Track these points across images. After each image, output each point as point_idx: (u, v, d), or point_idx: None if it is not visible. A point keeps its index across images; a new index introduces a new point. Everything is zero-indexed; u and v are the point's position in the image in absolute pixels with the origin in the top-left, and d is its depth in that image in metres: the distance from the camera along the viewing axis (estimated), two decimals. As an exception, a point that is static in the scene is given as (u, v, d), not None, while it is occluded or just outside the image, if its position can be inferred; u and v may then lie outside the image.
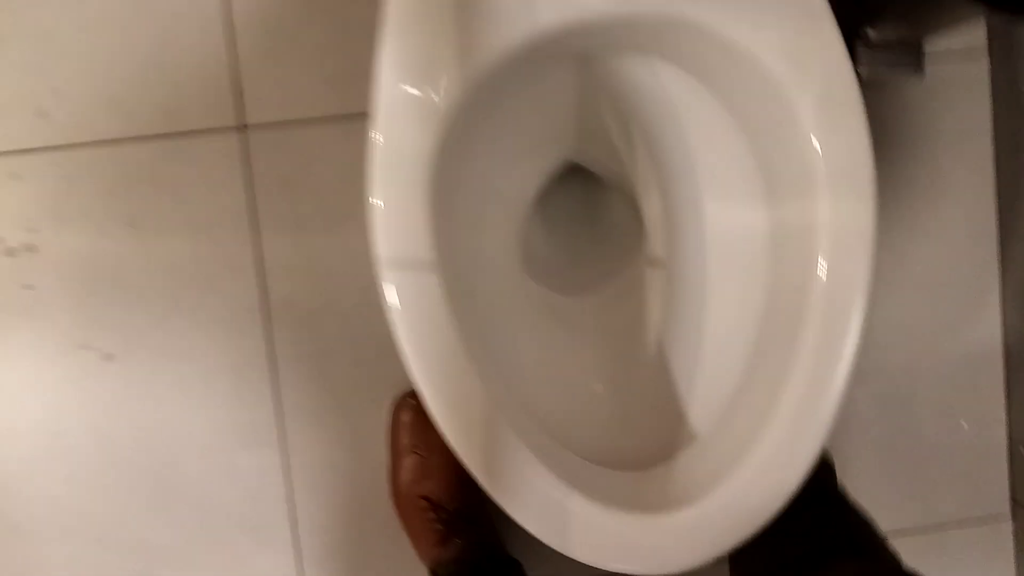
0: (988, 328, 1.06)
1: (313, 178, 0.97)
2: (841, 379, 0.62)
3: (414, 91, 0.58)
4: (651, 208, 0.80)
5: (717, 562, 0.64)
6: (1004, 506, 1.08)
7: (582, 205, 0.87)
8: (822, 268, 0.62)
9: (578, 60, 0.70)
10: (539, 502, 0.62)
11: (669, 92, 0.71)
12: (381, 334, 0.60)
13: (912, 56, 0.97)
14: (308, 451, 1.00)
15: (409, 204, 0.59)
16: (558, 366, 0.77)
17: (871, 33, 0.95)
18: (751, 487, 0.63)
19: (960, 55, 1.02)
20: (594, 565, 0.62)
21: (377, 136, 0.58)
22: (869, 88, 0.98)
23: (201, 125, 0.96)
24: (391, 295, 0.59)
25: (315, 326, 0.99)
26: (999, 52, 1.01)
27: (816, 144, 0.61)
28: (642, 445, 0.72)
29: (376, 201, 0.59)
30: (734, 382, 0.70)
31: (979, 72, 1.03)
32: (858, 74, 0.96)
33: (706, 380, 0.74)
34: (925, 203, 1.04)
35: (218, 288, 0.97)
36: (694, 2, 0.60)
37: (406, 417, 0.96)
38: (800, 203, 0.64)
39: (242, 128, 0.96)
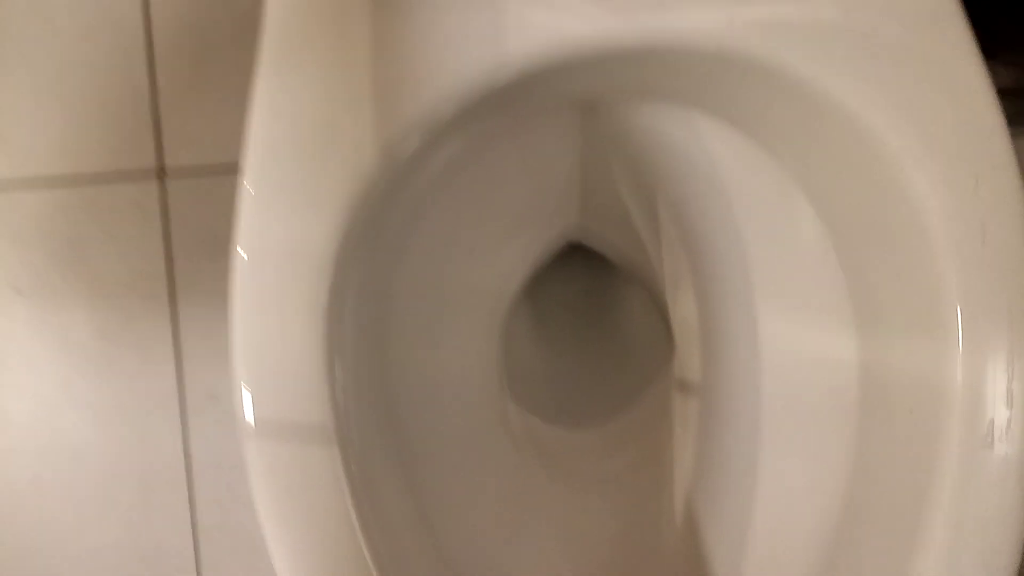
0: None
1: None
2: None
3: (301, 166, 0.36)
4: (682, 311, 0.57)
5: None
6: None
7: (586, 302, 0.64)
8: (953, 457, 0.39)
9: (583, 109, 0.48)
10: None
11: (715, 159, 0.49)
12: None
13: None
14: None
15: (293, 339, 0.37)
16: (542, 536, 0.54)
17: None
18: None
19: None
20: None
21: (242, 245, 0.37)
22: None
23: (111, 168, 0.75)
24: (255, 480, 0.37)
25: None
26: None
27: (952, 272, 0.38)
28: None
29: (240, 337, 0.37)
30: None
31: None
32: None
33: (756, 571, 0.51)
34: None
35: (127, 374, 0.76)
36: (765, 33, 0.38)
37: None
38: (917, 344, 0.41)
39: (160, 173, 0.75)
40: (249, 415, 0.37)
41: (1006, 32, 0.68)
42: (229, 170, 0.74)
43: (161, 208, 0.75)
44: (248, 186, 0.37)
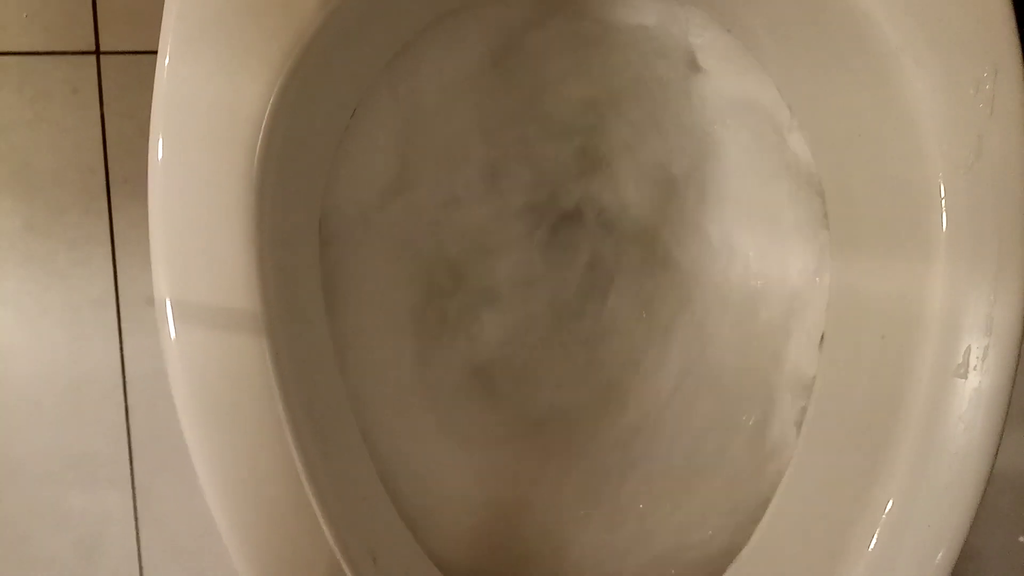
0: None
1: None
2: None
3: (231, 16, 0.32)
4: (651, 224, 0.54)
5: None
6: None
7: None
8: (922, 380, 0.37)
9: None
10: None
11: (697, 61, 0.45)
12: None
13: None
14: (165, 499, 0.75)
15: (218, 217, 0.33)
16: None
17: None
18: None
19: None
20: None
21: (162, 105, 0.32)
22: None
23: (44, 47, 0.69)
24: (174, 368, 0.34)
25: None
26: None
27: (939, 187, 0.35)
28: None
29: (159, 211, 0.33)
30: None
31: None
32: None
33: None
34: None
35: (60, 272, 0.72)
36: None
37: None
38: (896, 265, 0.38)
39: (96, 54, 0.69)
40: (167, 296, 0.33)
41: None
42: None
43: (98, 92, 0.70)
44: (170, 39, 0.32)
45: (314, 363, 0.38)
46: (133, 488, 0.75)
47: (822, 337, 0.45)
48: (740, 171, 0.47)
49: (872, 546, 0.37)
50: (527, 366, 0.49)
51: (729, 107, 0.44)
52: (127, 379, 0.73)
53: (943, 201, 0.35)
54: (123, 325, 0.73)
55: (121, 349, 0.73)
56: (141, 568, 0.76)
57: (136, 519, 0.75)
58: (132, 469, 0.75)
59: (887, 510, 0.37)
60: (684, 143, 0.45)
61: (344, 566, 0.35)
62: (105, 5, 0.69)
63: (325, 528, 0.35)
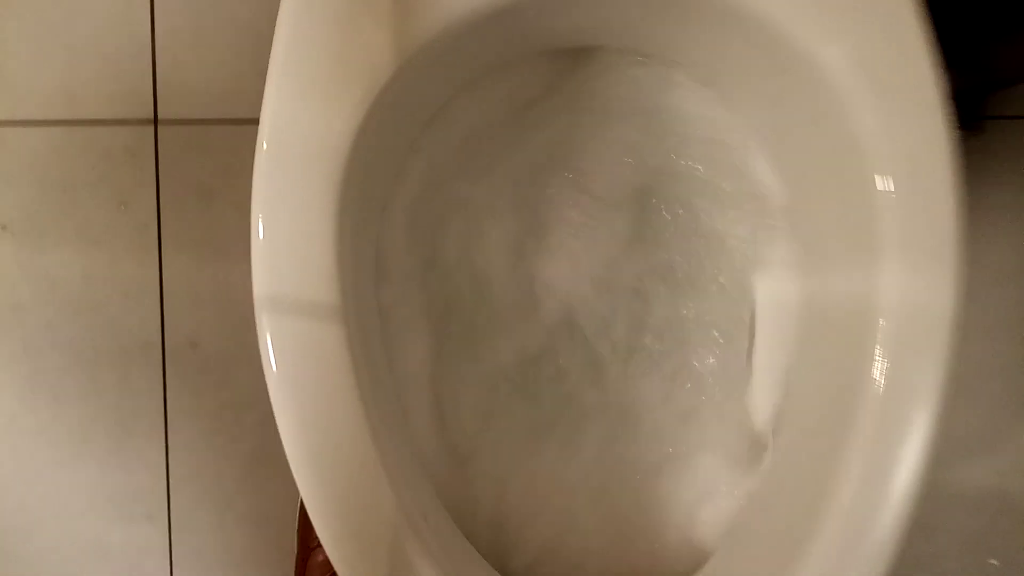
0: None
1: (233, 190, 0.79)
2: (891, 527, 0.44)
3: (337, 44, 0.41)
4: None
5: None
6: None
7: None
8: (878, 365, 0.44)
9: (561, 59, 0.53)
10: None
11: (679, 111, 0.54)
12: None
13: (969, 109, 0.82)
14: (196, 530, 0.80)
15: (309, 216, 0.41)
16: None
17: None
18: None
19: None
20: None
21: (271, 110, 0.41)
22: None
23: (108, 114, 0.78)
24: (268, 351, 0.41)
25: (220, 373, 0.79)
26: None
27: (885, 188, 0.43)
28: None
29: (259, 209, 0.41)
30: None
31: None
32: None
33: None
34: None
35: (110, 316, 0.79)
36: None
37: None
38: (854, 273, 0.46)
39: (155, 123, 0.78)
40: (264, 291, 0.40)
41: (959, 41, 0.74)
42: (221, 123, 0.78)
43: (154, 156, 0.78)
44: (273, 79, 0.41)
45: (374, 349, 0.45)
46: (169, 522, 0.80)
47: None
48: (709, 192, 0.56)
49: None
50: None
51: (702, 143, 0.53)
52: (168, 415, 0.79)
53: (885, 213, 0.44)
54: (167, 367, 0.79)
55: (164, 388, 0.79)
56: (174, 600, 0.80)
57: (171, 552, 0.80)
58: (169, 504, 0.80)
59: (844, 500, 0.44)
60: (663, 166, 0.54)
61: (404, 519, 0.41)
62: (164, 80, 0.78)
63: (388, 487, 0.41)
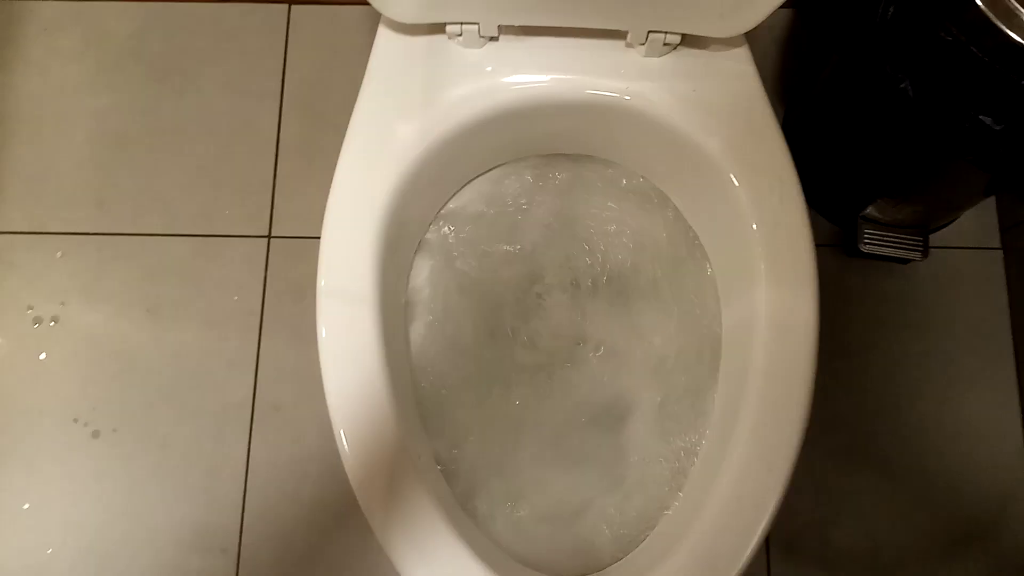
0: (1017, 537, 0.94)
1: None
2: (781, 468, 0.57)
3: (384, 132, 0.64)
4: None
5: None
6: None
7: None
8: (760, 358, 0.60)
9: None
10: (439, 571, 0.57)
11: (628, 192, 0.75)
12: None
13: (915, 238, 0.98)
14: (261, 564, 0.95)
15: (357, 239, 0.62)
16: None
17: (875, 212, 0.97)
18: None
19: (974, 246, 1.02)
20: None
21: (339, 174, 0.63)
22: (875, 272, 1.00)
23: (234, 231, 1.05)
24: (321, 324, 0.60)
25: (294, 432, 0.98)
26: (1013, 244, 1.00)
27: (758, 231, 0.61)
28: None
29: (326, 233, 0.62)
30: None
31: (995, 264, 1.02)
32: (859, 249, 0.98)
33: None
34: (944, 399, 0.99)
35: (216, 382, 1.00)
36: (649, 101, 0.65)
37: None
38: (745, 297, 0.63)
39: (268, 238, 1.04)
40: (323, 283, 0.61)
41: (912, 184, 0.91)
42: (318, 240, 1.03)
43: (264, 263, 1.03)
44: (341, 161, 0.64)
45: (397, 326, 0.64)
46: (239, 555, 0.96)
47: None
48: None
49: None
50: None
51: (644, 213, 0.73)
52: (250, 463, 0.98)
53: (762, 252, 0.61)
54: (254, 425, 0.99)
55: (249, 441, 0.98)
56: (235, 625, 0.94)
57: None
58: (240, 539, 0.96)
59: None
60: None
61: (404, 453, 0.58)
62: (279, 205, 1.05)
63: (395, 426, 0.59)
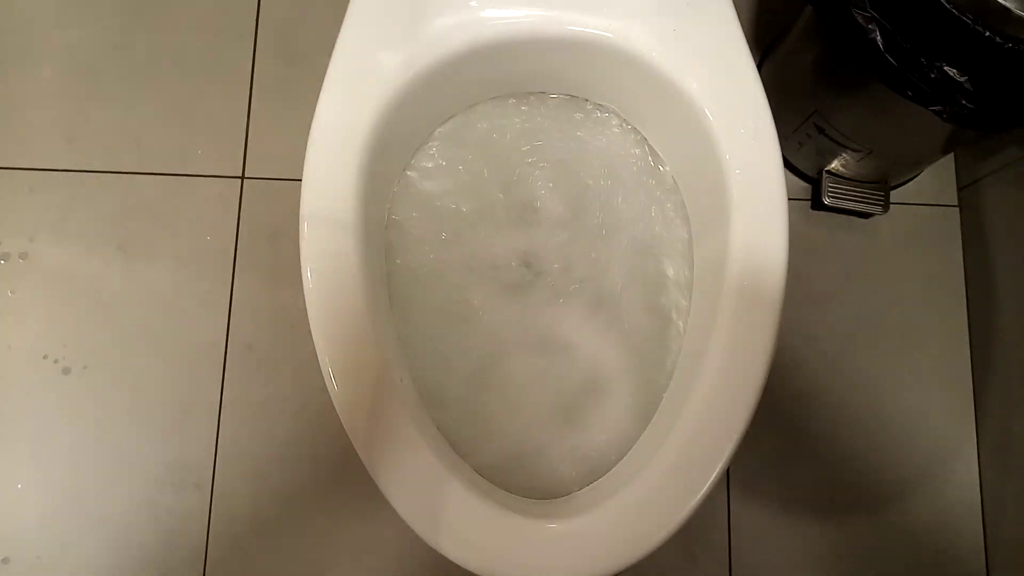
0: (965, 481, 0.99)
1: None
2: (745, 403, 0.60)
3: (368, 61, 0.64)
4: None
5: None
6: None
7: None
8: (732, 287, 0.62)
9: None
10: (415, 484, 0.59)
11: (604, 133, 0.76)
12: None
13: (876, 192, 1.01)
14: (234, 501, 0.97)
15: (340, 166, 0.63)
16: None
17: (839, 167, 1.00)
18: (639, 509, 0.59)
19: (933, 203, 1.06)
20: (465, 566, 0.58)
21: (323, 102, 0.64)
22: (838, 225, 1.03)
23: (209, 171, 1.04)
24: (304, 249, 0.61)
25: (268, 372, 0.99)
26: (969, 202, 1.04)
27: (728, 159, 0.63)
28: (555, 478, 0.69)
29: (309, 160, 0.63)
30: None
31: (951, 221, 1.06)
32: (823, 202, 1.01)
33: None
34: (899, 350, 1.03)
35: (189, 320, 1.00)
36: (630, 39, 0.66)
37: None
38: (719, 231, 0.65)
39: (242, 179, 1.04)
40: (306, 209, 0.62)
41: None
42: (293, 181, 1.03)
43: (238, 203, 1.03)
44: (324, 90, 0.64)
45: (378, 254, 0.65)
46: (212, 491, 0.97)
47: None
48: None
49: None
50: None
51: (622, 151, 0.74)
52: (223, 402, 0.98)
53: (735, 182, 0.63)
54: (227, 363, 0.99)
55: (223, 380, 0.99)
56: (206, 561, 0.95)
57: (210, 517, 0.96)
58: (214, 476, 0.97)
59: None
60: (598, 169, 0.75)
61: (387, 372, 0.60)
62: (252, 146, 1.04)
63: (375, 348, 0.60)
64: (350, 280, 0.61)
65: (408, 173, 0.74)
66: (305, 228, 0.62)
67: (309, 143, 0.63)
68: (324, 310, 0.60)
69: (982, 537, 0.98)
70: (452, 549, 0.57)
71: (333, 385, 0.59)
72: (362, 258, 0.62)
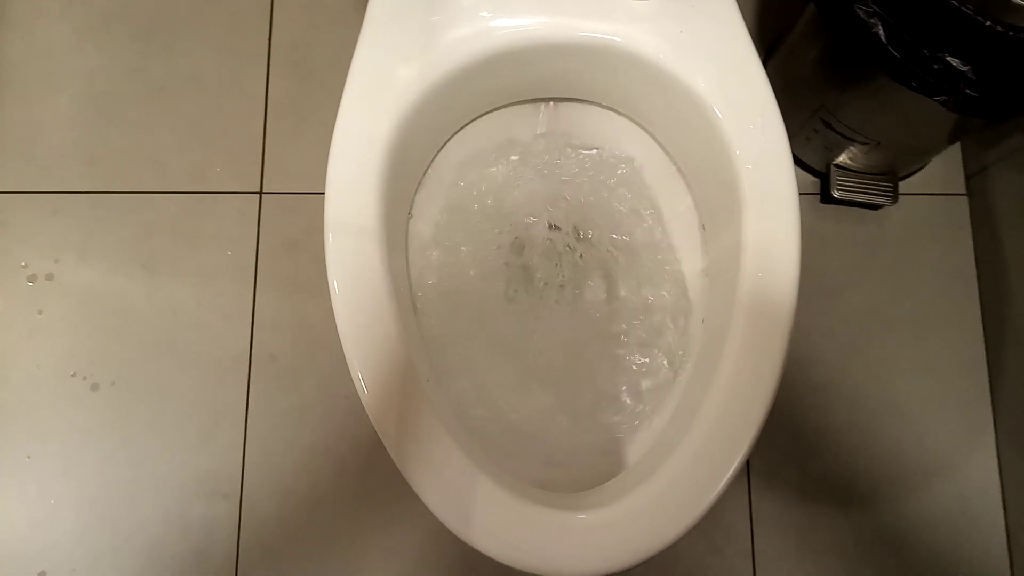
0: (984, 467, 1.00)
1: (313, 244, 1.05)
2: (763, 395, 0.61)
3: (384, 74, 0.66)
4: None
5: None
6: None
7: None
8: (747, 281, 0.63)
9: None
10: (445, 480, 0.60)
11: (616, 135, 0.78)
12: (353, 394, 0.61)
13: (885, 183, 1.03)
14: (263, 508, 0.98)
15: (361, 175, 0.65)
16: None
17: (847, 160, 1.01)
18: (665, 497, 0.60)
19: (941, 192, 1.07)
20: (496, 558, 0.60)
21: (343, 114, 0.66)
22: (848, 218, 1.04)
23: (227, 188, 1.06)
24: (330, 255, 0.63)
25: (291, 381, 1.01)
26: (977, 190, 1.05)
27: (739, 154, 0.65)
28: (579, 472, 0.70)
29: (331, 169, 0.65)
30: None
31: (960, 209, 1.07)
32: (832, 196, 1.03)
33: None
34: (913, 338, 1.04)
35: (213, 334, 1.02)
36: (638, 42, 0.68)
37: None
38: (731, 226, 0.67)
39: (260, 194, 1.06)
40: (331, 218, 0.64)
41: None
42: (309, 195, 1.05)
43: (257, 217, 1.05)
44: (343, 105, 0.66)
45: (400, 259, 0.67)
46: (241, 500, 0.99)
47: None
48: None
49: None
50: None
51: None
52: (249, 412, 1.00)
53: (746, 177, 0.65)
54: (252, 375, 1.01)
55: (248, 391, 1.01)
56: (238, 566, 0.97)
57: (240, 525, 0.98)
58: (242, 485, 0.99)
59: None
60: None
61: (414, 373, 0.61)
62: (269, 162, 1.06)
63: (402, 349, 0.62)
64: (375, 285, 0.63)
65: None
66: (330, 237, 0.63)
67: (330, 156, 0.65)
68: (351, 316, 0.62)
69: (1003, 522, 0.99)
70: (484, 543, 0.59)
71: (363, 389, 0.60)
72: (386, 262, 0.63)
